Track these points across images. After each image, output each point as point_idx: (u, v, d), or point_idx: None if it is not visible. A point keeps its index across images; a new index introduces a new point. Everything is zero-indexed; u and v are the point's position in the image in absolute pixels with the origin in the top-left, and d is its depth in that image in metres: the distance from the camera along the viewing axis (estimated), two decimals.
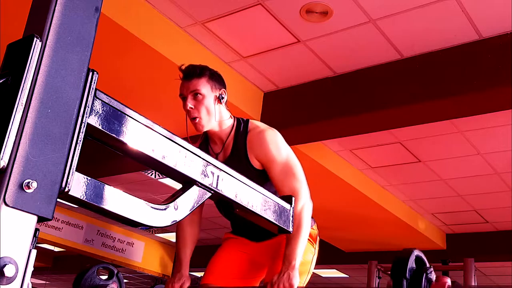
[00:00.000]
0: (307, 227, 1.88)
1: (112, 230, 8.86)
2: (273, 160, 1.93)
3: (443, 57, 3.55)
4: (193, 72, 1.95)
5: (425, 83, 3.56)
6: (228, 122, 2.02)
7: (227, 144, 2.02)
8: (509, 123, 4.25)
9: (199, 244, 2.23)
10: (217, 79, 1.99)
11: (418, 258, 1.30)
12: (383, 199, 5.92)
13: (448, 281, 1.28)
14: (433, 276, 1.27)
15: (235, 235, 2.21)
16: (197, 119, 1.93)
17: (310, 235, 2.11)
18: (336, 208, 6.07)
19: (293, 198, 1.08)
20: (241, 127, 2.02)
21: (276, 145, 1.95)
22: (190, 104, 1.91)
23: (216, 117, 1.97)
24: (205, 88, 1.94)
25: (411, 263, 1.27)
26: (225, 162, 1.45)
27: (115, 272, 1.85)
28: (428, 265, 1.32)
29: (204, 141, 2.12)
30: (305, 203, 1.89)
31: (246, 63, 3.96)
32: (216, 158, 1.60)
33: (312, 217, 2.17)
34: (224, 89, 2.01)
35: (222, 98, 1.98)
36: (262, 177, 1.95)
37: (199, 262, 3.65)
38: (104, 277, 1.84)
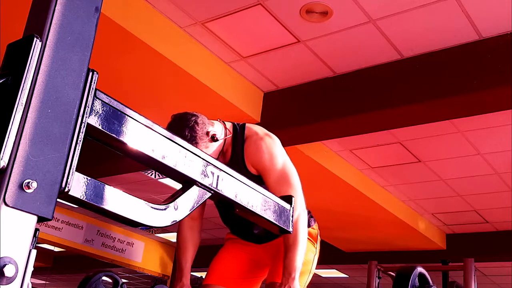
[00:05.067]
0: (304, 236, 1.87)
1: (112, 230, 8.86)
2: (268, 168, 1.91)
3: (443, 57, 3.55)
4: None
5: (425, 83, 3.56)
6: (224, 133, 2.00)
7: (226, 150, 2.02)
8: (509, 123, 4.25)
9: (200, 244, 2.23)
10: (199, 128, 1.88)
11: (421, 275, 1.28)
12: (383, 199, 5.92)
13: None
14: None
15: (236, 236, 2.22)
16: None
17: (311, 235, 2.11)
18: (336, 208, 6.07)
19: (293, 198, 1.08)
20: (238, 133, 2.01)
21: (272, 154, 1.92)
22: None
23: (216, 150, 1.96)
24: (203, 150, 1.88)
25: (414, 281, 1.24)
26: None
27: (120, 282, 1.81)
28: (430, 283, 1.29)
29: None
30: (300, 213, 1.87)
31: (246, 63, 3.96)
32: None
33: (312, 216, 2.17)
34: (206, 125, 1.91)
35: (214, 134, 1.91)
36: (260, 182, 1.94)
37: (199, 262, 3.64)
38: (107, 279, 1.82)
